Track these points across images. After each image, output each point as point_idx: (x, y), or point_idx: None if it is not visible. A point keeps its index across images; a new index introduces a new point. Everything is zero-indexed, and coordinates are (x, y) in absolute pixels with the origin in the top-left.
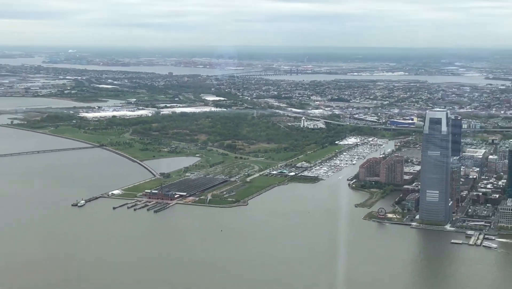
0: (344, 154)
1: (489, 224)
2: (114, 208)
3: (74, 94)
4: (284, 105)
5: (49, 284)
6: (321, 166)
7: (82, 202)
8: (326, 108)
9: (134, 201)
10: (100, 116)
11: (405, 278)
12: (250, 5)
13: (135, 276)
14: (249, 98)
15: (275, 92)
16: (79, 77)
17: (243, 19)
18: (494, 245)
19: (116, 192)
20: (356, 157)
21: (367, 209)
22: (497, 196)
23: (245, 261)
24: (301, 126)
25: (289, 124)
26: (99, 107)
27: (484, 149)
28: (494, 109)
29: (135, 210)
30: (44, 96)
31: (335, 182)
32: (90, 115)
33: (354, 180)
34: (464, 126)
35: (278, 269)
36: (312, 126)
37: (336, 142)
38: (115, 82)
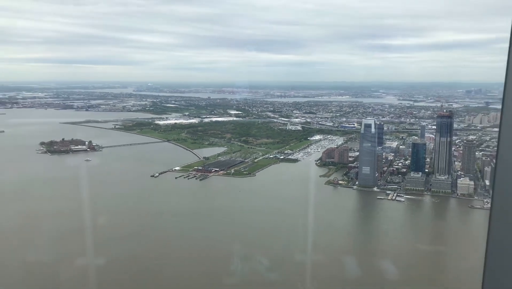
0: (313, 145)
1: (400, 187)
2: (176, 178)
3: (152, 110)
4: (277, 116)
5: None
6: (299, 152)
7: (157, 174)
8: (302, 118)
9: (187, 173)
10: (167, 123)
11: (348, 217)
12: (256, 57)
13: (188, 215)
14: (256, 112)
15: (272, 108)
16: (155, 100)
17: (251, 64)
18: (402, 199)
19: (177, 168)
20: (320, 147)
21: (327, 178)
22: (405, 170)
23: (251, 209)
24: (287, 128)
25: (280, 127)
26: (167, 117)
27: (397, 142)
28: (402, 118)
29: (188, 178)
30: (134, 111)
31: (308, 162)
32: (161, 122)
33: (319, 161)
34: (385, 128)
35: (270, 215)
36: (294, 129)
37: (308, 138)
38: (176, 102)
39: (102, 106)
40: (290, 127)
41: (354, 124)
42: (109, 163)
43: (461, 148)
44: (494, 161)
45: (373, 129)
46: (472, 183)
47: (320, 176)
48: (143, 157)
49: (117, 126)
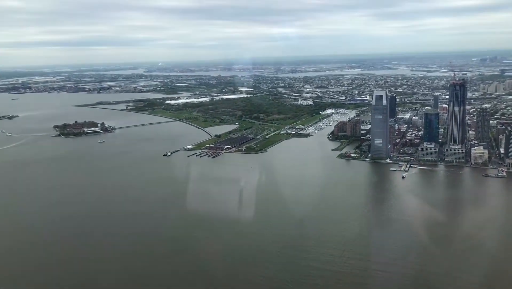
0: (325, 119)
1: (413, 158)
2: (188, 156)
3: (163, 90)
4: (288, 91)
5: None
6: (310, 127)
7: (169, 153)
8: (313, 92)
9: (200, 151)
10: (179, 102)
11: (365, 185)
12: (259, 30)
13: (202, 180)
14: (266, 88)
15: (282, 84)
16: (165, 80)
17: (261, 40)
18: (415, 170)
19: (189, 146)
20: (332, 121)
21: (339, 151)
22: (418, 141)
23: (265, 182)
24: (298, 103)
25: (291, 103)
26: (178, 97)
27: (410, 113)
28: (415, 89)
29: (200, 156)
30: (145, 92)
31: (319, 136)
32: (172, 102)
33: (331, 135)
34: (398, 100)
35: (284, 185)
36: (305, 104)
37: (320, 112)
38: (187, 82)
39: (113, 88)
40: (301, 102)
41: (366, 97)
42: (122, 144)
43: (475, 117)
44: (509, 128)
45: (384, 101)
46: (486, 151)
47: (332, 150)
48: (155, 136)
49: (129, 107)
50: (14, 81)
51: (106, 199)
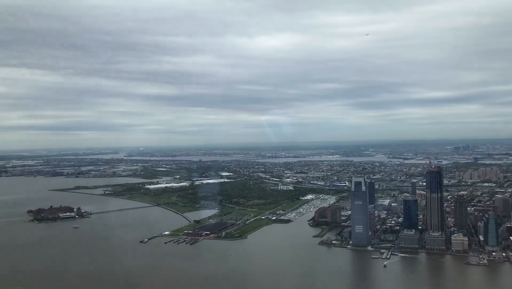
0: (305, 205)
1: (394, 245)
2: (165, 243)
3: (142, 174)
4: (268, 176)
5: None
6: (291, 212)
7: (146, 239)
8: (293, 178)
9: (177, 238)
10: (158, 187)
11: (347, 274)
12: (240, 117)
13: (177, 269)
14: (247, 173)
15: (263, 169)
16: (146, 164)
17: (242, 125)
18: (397, 258)
19: (167, 232)
20: (313, 206)
21: (320, 238)
22: (398, 228)
23: (244, 271)
24: (279, 188)
25: (272, 187)
26: (157, 181)
27: (388, 199)
28: (393, 175)
29: (178, 243)
30: (124, 176)
31: (300, 222)
32: (151, 186)
33: (311, 220)
34: (376, 186)
35: (264, 274)
36: (285, 189)
37: (300, 198)
38: (167, 166)
39: (92, 172)
40: (281, 187)
41: (345, 183)
42: (97, 230)
43: (453, 204)
44: (486, 216)
45: (363, 187)
46: (466, 238)
47: (313, 236)
48: (132, 222)
49: (106, 192)
50: None
51: (73, 286)
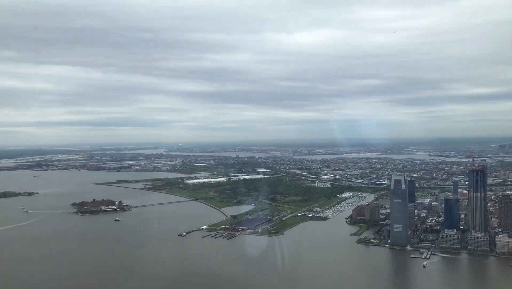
0: (343, 202)
1: (434, 245)
2: (203, 237)
3: (181, 169)
4: (305, 173)
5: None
6: (328, 210)
7: (184, 233)
8: (330, 175)
9: (215, 232)
10: (196, 182)
11: (385, 273)
12: (277, 114)
13: (216, 263)
14: (283, 170)
15: (300, 166)
16: (184, 160)
17: (279, 122)
18: (437, 258)
19: (204, 227)
20: (350, 204)
21: (357, 236)
22: (438, 227)
23: (281, 268)
24: (316, 186)
25: (308, 184)
26: (195, 177)
27: (429, 198)
28: (434, 174)
29: (215, 237)
30: (164, 171)
31: (337, 220)
32: (190, 182)
33: (349, 218)
34: (416, 184)
35: (301, 271)
36: (322, 186)
37: (338, 195)
38: (205, 162)
39: (133, 167)
40: (318, 184)
41: (384, 181)
42: (138, 223)
43: (497, 204)
44: None
45: (403, 186)
46: (511, 240)
47: (351, 234)
48: (171, 216)
49: (147, 186)
50: (37, 159)
51: (114, 277)
